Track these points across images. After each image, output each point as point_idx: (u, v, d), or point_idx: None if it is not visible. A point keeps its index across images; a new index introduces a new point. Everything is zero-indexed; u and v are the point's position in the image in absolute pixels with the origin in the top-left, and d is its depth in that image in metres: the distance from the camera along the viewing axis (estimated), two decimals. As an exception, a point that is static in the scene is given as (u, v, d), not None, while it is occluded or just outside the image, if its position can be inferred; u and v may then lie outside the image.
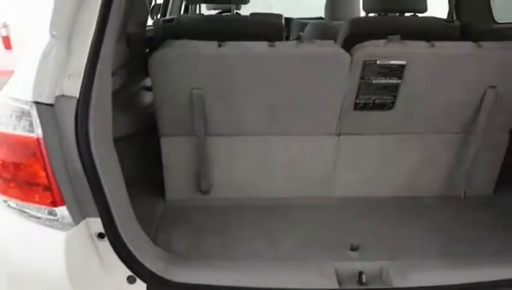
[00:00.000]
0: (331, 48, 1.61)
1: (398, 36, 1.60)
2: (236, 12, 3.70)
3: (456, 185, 1.89)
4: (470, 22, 2.51)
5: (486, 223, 1.74)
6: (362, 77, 1.63)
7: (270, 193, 1.88)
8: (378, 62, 1.59)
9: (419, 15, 2.56)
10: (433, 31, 2.48)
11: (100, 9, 1.14)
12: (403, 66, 1.60)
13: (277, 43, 1.60)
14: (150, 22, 2.56)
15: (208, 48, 1.58)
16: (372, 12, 2.56)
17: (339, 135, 1.80)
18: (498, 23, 2.43)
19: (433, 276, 1.35)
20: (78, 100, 1.14)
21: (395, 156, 1.86)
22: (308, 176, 1.87)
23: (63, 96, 1.13)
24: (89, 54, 1.14)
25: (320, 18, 4.45)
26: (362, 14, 3.49)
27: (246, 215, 1.78)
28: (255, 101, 1.69)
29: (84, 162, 1.15)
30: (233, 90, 1.65)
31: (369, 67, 1.60)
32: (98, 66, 1.15)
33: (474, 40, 2.47)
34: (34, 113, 1.14)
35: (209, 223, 1.72)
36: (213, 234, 1.66)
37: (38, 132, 1.13)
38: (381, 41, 1.61)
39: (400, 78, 1.63)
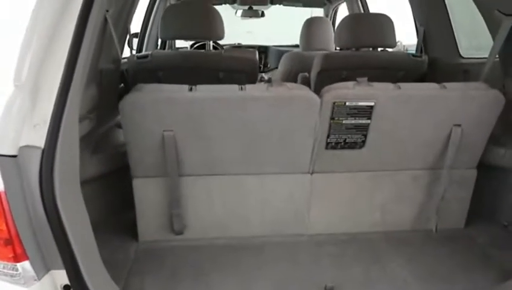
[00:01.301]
0: (301, 92, 1.64)
1: (365, 78, 1.64)
2: (215, 42, 3.74)
3: (427, 220, 1.92)
4: (437, 57, 2.60)
5: (459, 257, 1.77)
6: (332, 118, 1.66)
7: (244, 231, 1.87)
8: (347, 103, 1.62)
9: (389, 50, 2.65)
10: (402, 65, 2.57)
11: (68, 57, 1.14)
12: (371, 107, 1.64)
13: (247, 87, 1.62)
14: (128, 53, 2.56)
15: (178, 92, 1.59)
16: (344, 48, 2.63)
17: (312, 173, 1.82)
18: (464, 58, 2.52)
19: None
20: (43, 150, 1.12)
21: (367, 193, 1.88)
22: (282, 214, 1.87)
23: (27, 146, 1.11)
24: (55, 102, 1.13)
25: (297, 46, 4.57)
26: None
27: (220, 256, 1.76)
28: (227, 142, 1.69)
29: (49, 213, 1.13)
30: (205, 132, 1.66)
31: (338, 108, 1.63)
32: (65, 114, 1.14)
33: (442, 75, 2.58)
34: (-5, 165, 1.11)
35: (183, 266, 1.69)
36: (186, 277, 1.63)
37: (0, 185, 1.10)
38: (350, 84, 1.65)
39: (369, 118, 1.67)
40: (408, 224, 1.94)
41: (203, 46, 3.88)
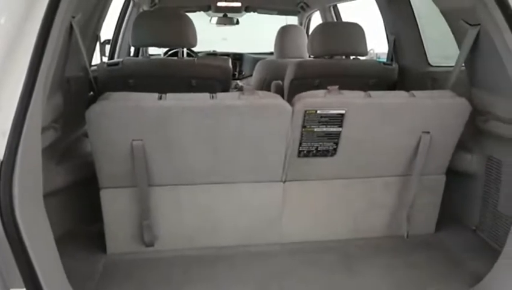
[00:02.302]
0: (273, 100, 1.64)
1: (336, 87, 1.65)
2: (189, 50, 3.71)
3: (399, 226, 1.94)
4: (407, 65, 2.66)
5: (431, 264, 1.78)
6: (304, 126, 1.66)
7: (216, 242, 1.84)
8: (318, 112, 1.63)
9: (361, 58, 2.69)
10: (373, 73, 2.61)
11: (29, 64, 1.09)
12: (342, 115, 1.65)
13: (219, 95, 1.60)
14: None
15: (147, 100, 1.56)
16: (317, 56, 2.65)
17: (284, 182, 1.81)
18: (433, 66, 2.59)
19: None
20: (2, 162, 1.06)
21: (340, 200, 1.88)
22: (254, 223, 1.86)
23: None
24: (16, 112, 1.08)
25: (271, 53, 4.59)
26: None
27: (192, 267, 1.72)
28: (197, 151, 1.67)
29: (7, 229, 1.07)
30: (175, 142, 1.63)
31: (309, 116, 1.64)
32: (26, 124, 1.09)
33: (411, 82, 2.64)
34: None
35: (153, 279, 1.65)
36: None
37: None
38: (321, 92, 1.65)
39: (341, 126, 1.67)
40: (380, 231, 1.96)
41: (177, 54, 3.86)
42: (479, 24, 1.70)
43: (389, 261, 1.80)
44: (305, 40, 3.67)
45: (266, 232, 1.88)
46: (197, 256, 1.78)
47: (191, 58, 2.61)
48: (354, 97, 1.66)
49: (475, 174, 1.95)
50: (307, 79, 2.57)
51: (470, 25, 1.74)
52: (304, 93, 1.66)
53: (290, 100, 1.68)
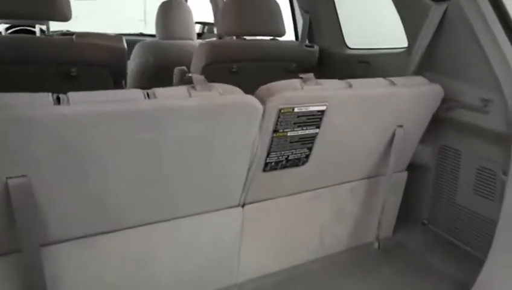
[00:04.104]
0: (238, 96, 1.12)
1: (311, 75, 1.23)
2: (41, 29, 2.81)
3: (365, 233, 1.68)
4: (326, 47, 2.41)
5: (400, 272, 1.58)
6: (276, 130, 1.21)
7: None
8: (296, 110, 1.19)
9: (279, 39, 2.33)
10: (295, 56, 2.29)
11: None
12: (322, 112, 1.25)
13: (157, 92, 1.02)
14: None
15: (37, 107, 0.89)
16: (229, 35, 2.19)
17: (243, 206, 1.34)
18: (351, 48, 2.39)
19: None
20: None
21: (305, 216, 1.51)
22: (203, 266, 1.35)
23: None
24: None
25: (141, 34, 3.89)
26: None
27: None
28: (122, 180, 1.06)
29: None
30: (85, 170, 0.99)
31: (284, 116, 1.19)
32: None
33: (332, 66, 2.41)
34: None
35: None
36: None
37: None
38: (296, 82, 1.21)
39: (318, 126, 1.28)
40: (346, 242, 1.66)
41: (25, 32, 2.89)
42: (446, 0, 1.49)
43: (360, 280, 1.52)
44: (193, 19, 3.17)
45: (218, 275, 1.39)
46: None
47: (66, 36, 1.84)
48: (335, 88, 1.27)
49: (426, 166, 1.80)
50: (224, 64, 2.09)
51: (436, 0, 1.52)
52: (272, 85, 1.20)
53: None
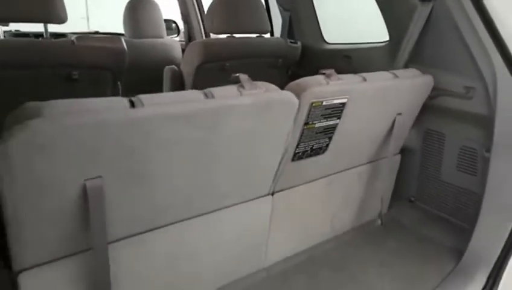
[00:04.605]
0: (278, 93, 1.21)
1: (333, 70, 1.36)
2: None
3: (369, 212, 1.85)
4: (306, 43, 2.55)
5: (403, 246, 1.76)
6: (306, 123, 1.32)
7: (195, 287, 1.35)
8: (324, 103, 1.31)
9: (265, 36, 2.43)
10: (281, 52, 2.41)
11: None
12: (343, 105, 1.38)
13: (215, 93, 1.09)
14: None
15: (113, 111, 0.92)
16: (219, 33, 2.25)
17: (273, 194, 1.44)
18: (329, 44, 2.55)
19: None
20: None
21: (321, 200, 1.64)
22: (236, 254, 1.43)
23: None
24: None
25: (96, 33, 3.78)
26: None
27: None
28: (178, 178, 1.12)
29: None
30: (147, 170, 1.04)
31: (314, 110, 1.30)
32: None
33: (313, 60, 2.55)
34: None
35: None
36: None
37: None
38: (320, 78, 1.33)
39: (339, 117, 1.41)
40: (353, 221, 1.83)
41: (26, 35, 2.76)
42: (432, 0, 1.67)
43: (372, 254, 1.70)
44: (162, 17, 3.18)
45: (248, 261, 1.49)
46: None
47: (65, 39, 1.80)
48: (353, 82, 1.40)
49: (413, 148, 2.00)
50: (217, 62, 2.16)
51: (422, 0, 1.70)
52: (302, 81, 1.30)
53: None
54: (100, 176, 0.95)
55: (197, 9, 3.64)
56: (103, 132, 0.91)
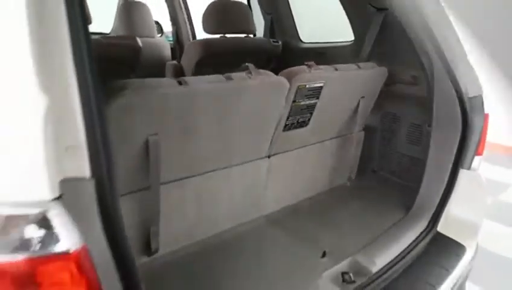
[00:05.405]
0: (275, 78, 1.67)
1: (312, 62, 1.82)
2: None
3: (341, 176, 2.33)
4: (285, 42, 3.01)
5: (372, 202, 2.23)
6: (294, 100, 1.78)
7: (214, 229, 1.77)
8: (307, 86, 1.77)
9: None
10: (265, 50, 2.85)
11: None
12: (321, 88, 1.84)
13: (233, 76, 1.53)
14: None
15: (170, 86, 1.35)
16: (214, 33, 2.67)
17: (269, 157, 1.89)
18: (305, 43, 3.03)
19: (387, 251, 1.68)
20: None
21: (305, 165, 2.10)
22: (241, 204, 1.87)
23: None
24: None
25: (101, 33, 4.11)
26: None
27: (196, 269, 1.58)
28: (207, 138, 1.56)
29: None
30: (188, 131, 1.47)
31: (300, 91, 1.76)
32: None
33: (292, 58, 3.01)
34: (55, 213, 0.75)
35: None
36: None
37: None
38: (303, 68, 1.79)
39: (318, 98, 1.87)
40: (328, 183, 2.30)
41: None
42: (386, 9, 2.17)
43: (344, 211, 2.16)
44: (153, 18, 3.53)
45: (250, 209, 1.92)
46: (199, 252, 1.66)
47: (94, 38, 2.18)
48: (328, 71, 1.87)
49: (374, 127, 2.50)
50: (214, 58, 2.58)
51: (377, 9, 2.20)
52: (291, 70, 1.76)
53: None
54: (156, 134, 1.37)
55: (184, 12, 4.03)
56: (163, 101, 1.33)
